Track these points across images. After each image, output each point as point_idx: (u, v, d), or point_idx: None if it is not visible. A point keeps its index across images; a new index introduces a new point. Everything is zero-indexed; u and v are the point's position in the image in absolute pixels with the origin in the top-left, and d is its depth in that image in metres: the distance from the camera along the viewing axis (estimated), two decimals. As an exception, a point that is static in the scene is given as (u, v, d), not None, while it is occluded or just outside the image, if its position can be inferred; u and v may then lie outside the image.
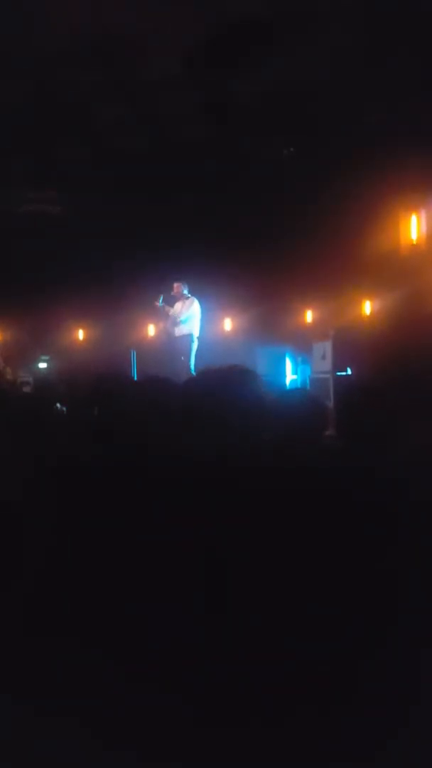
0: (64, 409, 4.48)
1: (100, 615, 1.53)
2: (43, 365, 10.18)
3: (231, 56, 7.80)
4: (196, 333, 8.58)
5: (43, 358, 10.28)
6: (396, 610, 1.48)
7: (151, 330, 10.06)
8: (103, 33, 7.31)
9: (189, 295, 8.60)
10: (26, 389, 8.64)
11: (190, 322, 8.51)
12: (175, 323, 8.53)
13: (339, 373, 8.01)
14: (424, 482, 1.98)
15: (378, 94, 8.15)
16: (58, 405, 4.60)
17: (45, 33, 7.17)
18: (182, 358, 8.39)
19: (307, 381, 8.67)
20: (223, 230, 9.54)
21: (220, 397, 1.96)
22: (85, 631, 1.51)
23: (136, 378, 8.56)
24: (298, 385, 8.71)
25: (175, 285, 8.61)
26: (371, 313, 9.09)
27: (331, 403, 5.84)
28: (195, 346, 8.54)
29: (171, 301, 8.63)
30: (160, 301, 8.62)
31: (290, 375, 9.02)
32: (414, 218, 8.54)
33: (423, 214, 8.53)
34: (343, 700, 1.39)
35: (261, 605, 1.45)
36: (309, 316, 9.89)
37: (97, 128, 9.01)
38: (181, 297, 8.61)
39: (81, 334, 10.93)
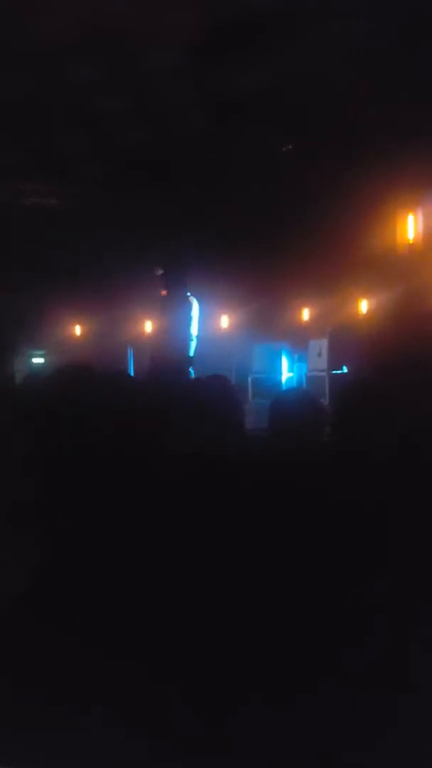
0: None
1: (96, 610, 1.54)
2: (38, 360, 10.17)
3: (232, 49, 7.75)
4: (194, 333, 8.57)
5: (38, 353, 10.27)
6: (394, 604, 1.50)
7: (149, 327, 10.06)
8: (102, 24, 7.27)
9: (188, 294, 8.58)
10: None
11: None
12: None
13: (335, 371, 8.04)
14: (419, 478, 2.01)
15: (375, 93, 8.15)
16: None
17: (45, 24, 7.12)
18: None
19: (304, 378, 8.70)
20: (220, 227, 9.55)
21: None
22: (82, 626, 1.52)
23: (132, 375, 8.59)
24: (294, 383, 8.74)
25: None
26: (368, 311, 9.11)
27: (326, 401, 5.86)
28: (194, 345, 8.54)
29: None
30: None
31: (286, 372, 9.04)
32: (411, 217, 8.56)
33: (420, 214, 8.55)
34: (342, 692, 1.41)
35: (260, 599, 1.47)
36: (306, 313, 9.91)
37: (95, 121, 8.99)
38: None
39: (78, 330, 10.93)
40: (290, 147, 9.61)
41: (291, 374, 9.03)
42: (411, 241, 8.60)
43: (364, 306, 9.18)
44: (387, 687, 1.40)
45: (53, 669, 1.45)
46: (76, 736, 1.41)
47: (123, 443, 1.90)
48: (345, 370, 8.03)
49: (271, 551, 1.51)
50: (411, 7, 6.87)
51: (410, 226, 8.59)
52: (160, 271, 8.22)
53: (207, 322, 9.37)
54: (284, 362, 9.06)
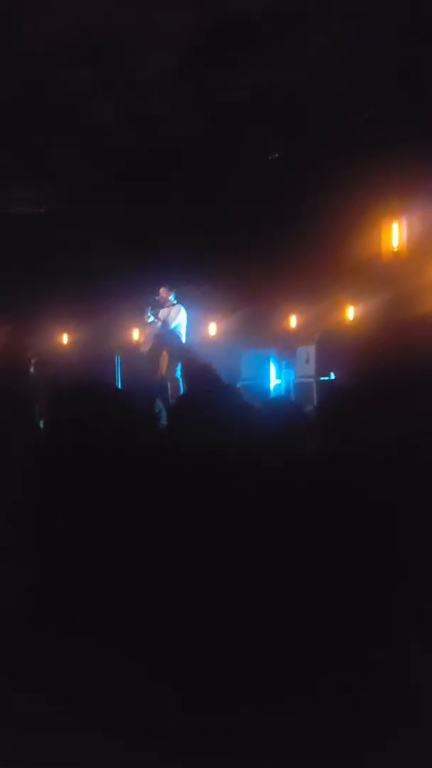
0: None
1: (96, 610, 1.56)
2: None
3: (231, 50, 7.73)
4: (183, 340, 8.59)
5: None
6: (393, 607, 1.53)
7: (136, 335, 10.07)
8: (95, 30, 7.26)
9: (175, 302, 8.58)
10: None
11: (177, 330, 8.51)
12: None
13: (323, 378, 8.07)
14: (406, 483, 2.05)
15: (362, 101, 8.22)
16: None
17: (37, 29, 7.10)
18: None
19: (291, 385, 8.74)
20: (209, 235, 9.59)
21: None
22: (83, 626, 1.54)
23: (120, 384, 8.60)
24: (282, 390, 8.78)
25: (162, 290, 8.57)
26: (355, 317, 9.18)
27: (314, 408, 5.89)
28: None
29: (157, 307, 8.63)
30: (149, 314, 8.59)
31: (274, 379, 9.08)
32: (395, 225, 8.66)
33: (404, 222, 8.66)
34: (342, 692, 1.44)
35: (258, 599, 1.49)
36: (293, 320, 9.96)
37: (84, 128, 8.98)
38: (167, 303, 8.58)
39: (65, 338, 10.93)
40: (277, 156, 9.68)
41: (279, 381, 9.07)
42: (396, 249, 8.70)
43: (351, 312, 9.24)
44: (387, 687, 1.43)
45: (53, 669, 1.48)
46: (76, 736, 1.43)
47: (119, 449, 1.93)
48: (332, 376, 8.08)
49: (266, 553, 1.54)
50: (411, 7, 6.90)
51: (395, 234, 8.68)
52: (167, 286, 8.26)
53: (195, 330, 9.41)
54: (272, 369, 9.10)
